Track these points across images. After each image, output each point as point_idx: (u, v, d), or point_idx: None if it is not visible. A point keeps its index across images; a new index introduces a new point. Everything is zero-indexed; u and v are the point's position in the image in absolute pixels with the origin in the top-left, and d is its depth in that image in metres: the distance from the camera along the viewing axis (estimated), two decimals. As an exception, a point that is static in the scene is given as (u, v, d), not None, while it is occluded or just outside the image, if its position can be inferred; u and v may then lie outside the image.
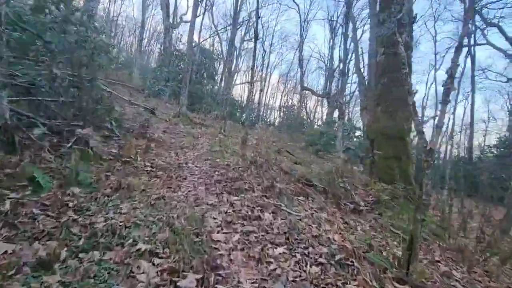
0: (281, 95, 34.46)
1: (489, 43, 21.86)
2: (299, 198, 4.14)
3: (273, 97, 37.72)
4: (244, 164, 5.32)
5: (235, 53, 31.45)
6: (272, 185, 4.26)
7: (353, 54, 22.01)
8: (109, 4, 34.25)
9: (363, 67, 15.05)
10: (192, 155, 6.49)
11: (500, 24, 19.67)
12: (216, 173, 4.78)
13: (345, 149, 10.91)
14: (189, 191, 3.87)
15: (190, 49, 13.10)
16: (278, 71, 48.10)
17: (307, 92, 25.93)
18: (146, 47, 33.67)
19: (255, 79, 35.16)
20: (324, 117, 30.78)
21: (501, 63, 40.76)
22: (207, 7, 26.30)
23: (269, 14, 27.81)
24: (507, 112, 24.07)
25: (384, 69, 5.75)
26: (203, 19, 25.53)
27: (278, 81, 33.97)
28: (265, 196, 3.88)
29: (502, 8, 18.30)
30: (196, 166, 5.17)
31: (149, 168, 4.40)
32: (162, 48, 23.85)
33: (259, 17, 9.32)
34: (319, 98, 32.42)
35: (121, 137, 5.28)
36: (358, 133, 17.61)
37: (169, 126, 10.38)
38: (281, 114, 28.50)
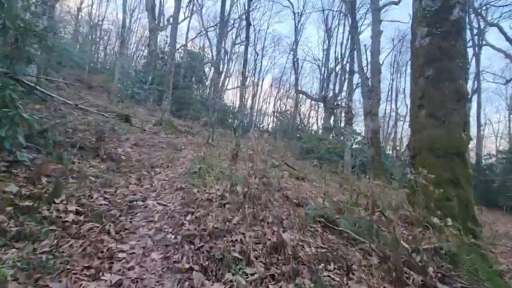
0: (274, 100, 32.79)
1: (488, 44, 20.75)
2: (328, 269, 2.32)
3: (266, 102, 36.06)
4: (233, 198, 3.48)
5: (226, 57, 29.82)
6: (282, 243, 2.45)
7: (349, 54, 20.57)
8: (93, 8, 32.28)
9: (366, 66, 13.43)
10: (162, 179, 4.61)
11: (500, 24, 18.55)
12: (189, 218, 2.93)
13: (358, 163, 9.15)
14: (128, 268, 2.02)
15: (173, 48, 11.26)
16: (271, 75, 46.60)
17: (301, 96, 24.33)
18: (133, 52, 31.70)
19: (247, 83, 33.52)
20: (320, 122, 29.22)
21: (499, 64, 40.07)
22: (195, 8, 24.63)
23: (261, 16, 26.11)
24: (507, 115, 22.95)
25: (430, 57, 4.01)
26: (190, 21, 23.82)
27: (271, 86, 32.39)
28: (271, 275, 2.06)
29: (504, 5, 17.14)
30: (160, 204, 3.30)
31: (70, 217, 2.52)
32: (147, 51, 22.07)
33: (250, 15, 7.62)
34: (314, 102, 30.90)
35: (41, 159, 3.38)
36: (358, 138, 15.97)
37: (145, 136, 8.47)
38: (275, 119, 26.88)
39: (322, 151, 14.42)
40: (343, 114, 22.68)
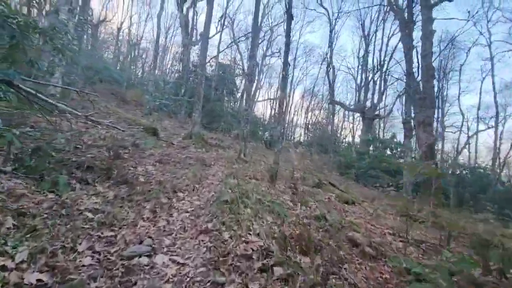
0: (305, 112, 31.29)
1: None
2: None
3: (297, 114, 34.67)
4: (282, 252, 2.24)
5: (256, 68, 29.24)
6: None
7: (389, 58, 18.70)
8: (132, 28, 33.71)
9: (417, 70, 11.72)
10: (184, 210, 3.51)
11: None
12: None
13: (412, 182, 7.40)
14: None
15: (203, 59, 10.53)
16: (303, 86, 45.00)
17: (336, 107, 22.71)
18: (168, 68, 32.29)
19: (279, 93, 32.50)
20: (356, 134, 27.19)
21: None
22: (227, 23, 24.40)
23: (293, 26, 25.19)
24: None
25: None
26: (221, 34, 23.55)
27: (303, 97, 31.00)
28: None
29: None
30: (174, 262, 2.15)
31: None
32: (180, 66, 22.05)
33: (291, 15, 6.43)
34: (347, 113, 28.98)
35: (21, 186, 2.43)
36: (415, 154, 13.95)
37: (172, 151, 7.59)
38: (307, 131, 25.35)
39: (364, 166, 12.69)
40: (381, 125, 20.73)
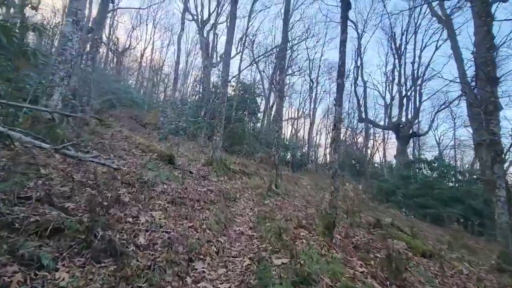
0: (331, 130, 29.33)
1: None
2: None
3: (319, 133, 32.80)
4: None
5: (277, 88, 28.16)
6: None
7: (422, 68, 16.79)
8: (155, 54, 34.20)
9: (474, 81, 9.86)
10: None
11: None
12: None
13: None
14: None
15: (225, 75, 9.33)
16: (326, 103, 43.05)
17: (364, 125, 20.78)
18: (188, 91, 31.97)
19: (300, 113, 31.05)
20: (391, 154, 24.84)
21: None
22: (247, 44, 23.73)
23: (314, 44, 24.03)
24: None
25: None
26: (241, 56, 22.81)
27: (327, 116, 29.25)
28: None
29: None
30: None
31: None
32: (201, 87, 21.36)
33: None
34: (374, 131, 26.80)
35: None
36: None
37: (189, 183, 6.14)
38: (333, 152, 23.35)
39: (411, 192, 10.63)
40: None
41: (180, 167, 7.35)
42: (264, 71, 28.55)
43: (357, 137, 20.06)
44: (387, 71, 21.75)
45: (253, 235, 3.80)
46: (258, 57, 17.88)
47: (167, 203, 4.29)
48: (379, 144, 27.37)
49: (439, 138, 25.50)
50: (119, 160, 5.75)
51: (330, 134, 28.42)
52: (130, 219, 3.25)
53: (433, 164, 11.80)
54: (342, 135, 27.17)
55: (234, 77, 16.53)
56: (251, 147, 15.50)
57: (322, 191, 9.08)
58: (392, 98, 19.53)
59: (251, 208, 5.78)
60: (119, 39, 32.46)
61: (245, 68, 19.89)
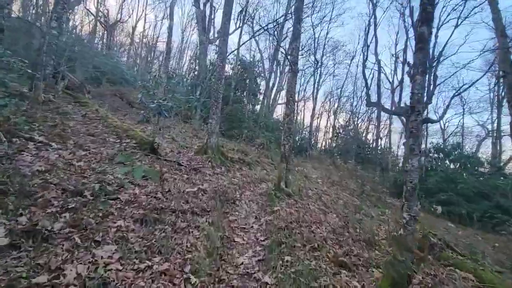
0: (329, 115, 27.63)
1: None
2: None
3: (319, 117, 31.09)
4: None
5: (278, 68, 26.08)
6: None
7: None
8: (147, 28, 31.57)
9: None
10: None
11: None
12: None
13: None
14: None
15: (223, 46, 7.58)
16: (329, 86, 40.58)
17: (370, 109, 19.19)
18: (184, 70, 29.75)
19: (301, 96, 29.20)
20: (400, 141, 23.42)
21: None
22: (246, 20, 21.44)
23: (320, 20, 21.80)
24: None
25: None
26: (241, 32, 20.60)
27: (329, 99, 27.47)
28: None
29: None
30: None
31: None
32: (196, 65, 19.37)
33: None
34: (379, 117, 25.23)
35: None
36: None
37: (174, 182, 4.62)
38: (336, 137, 21.87)
39: (431, 187, 9.27)
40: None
41: (166, 158, 5.79)
42: (267, 50, 26.42)
43: (360, 122, 18.49)
44: (396, 51, 19.90)
45: (266, 283, 2.32)
46: (259, 29, 15.84)
47: (133, 223, 2.77)
48: (384, 130, 25.91)
49: (444, 125, 24.07)
50: (78, 151, 4.15)
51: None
52: (44, 278, 1.72)
53: (454, 154, 10.41)
54: (346, 120, 25.62)
55: (233, 51, 14.63)
56: (251, 131, 13.90)
57: (335, 186, 7.65)
58: (401, 81, 17.84)
59: (256, 217, 4.30)
60: (109, 11, 29.68)
61: (244, 43, 17.93)
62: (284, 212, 4.25)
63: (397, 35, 20.04)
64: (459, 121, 21.77)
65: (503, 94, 17.26)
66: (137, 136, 5.92)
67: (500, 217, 7.93)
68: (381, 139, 19.33)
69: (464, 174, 9.73)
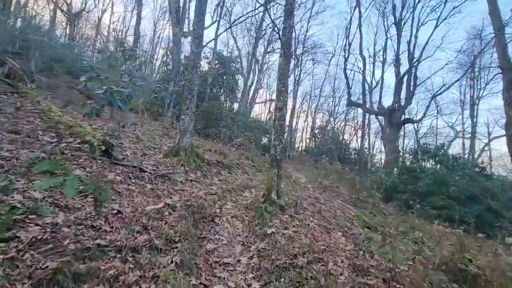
0: (306, 115, 27.15)
1: None
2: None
3: (297, 117, 30.52)
4: None
5: (256, 66, 25.04)
6: None
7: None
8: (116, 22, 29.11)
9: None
10: None
11: None
12: None
13: None
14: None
15: (199, 29, 6.36)
16: (308, 86, 39.97)
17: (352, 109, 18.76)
18: (157, 66, 27.68)
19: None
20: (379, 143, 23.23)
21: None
22: (223, 15, 20.13)
23: (301, 17, 21.05)
24: None
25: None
26: (218, 26, 19.28)
27: (308, 100, 26.91)
28: None
29: None
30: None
31: None
32: (169, 58, 17.75)
33: None
34: (355, 116, 25.15)
35: None
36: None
37: (131, 194, 3.33)
38: (314, 138, 21.29)
39: (422, 190, 8.71)
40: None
41: (124, 162, 4.44)
42: (246, 47, 25.31)
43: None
44: (375, 51, 19.70)
45: None
46: (236, 20, 14.65)
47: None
48: (359, 130, 25.85)
49: (417, 126, 24.51)
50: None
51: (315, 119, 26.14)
52: None
53: (440, 155, 10.01)
54: (324, 121, 25.21)
55: (210, 41, 13.32)
56: (229, 131, 12.68)
57: (327, 192, 6.71)
58: (382, 81, 17.57)
59: (243, 243, 3.15)
60: (72, -1, 26.78)
61: (222, 33, 16.65)
62: (281, 237, 3.14)
63: (375, 35, 19.85)
64: (431, 122, 22.19)
65: (479, 94, 17.63)
66: (85, 133, 4.50)
67: (493, 220, 7.50)
68: (365, 139, 18.90)
69: (456, 177, 9.27)
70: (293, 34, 18.96)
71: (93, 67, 4.06)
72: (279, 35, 4.29)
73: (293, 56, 17.46)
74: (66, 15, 26.57)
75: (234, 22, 15.13)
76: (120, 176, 3.96)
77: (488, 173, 10.11)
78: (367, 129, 17.99)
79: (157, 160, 5.65)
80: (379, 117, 18.96)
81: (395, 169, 12.53)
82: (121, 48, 4.57)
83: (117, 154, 4.41)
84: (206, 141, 11.26)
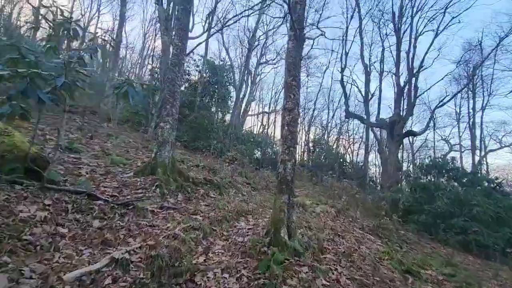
0: (302, 128, 26.06)
1: None
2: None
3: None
4: None
5: (249, 78, 24.06)
6: None
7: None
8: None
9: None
10: None
11: None
12: None
13: None
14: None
15: (182, 32, 5.16)
16: (303, 98, 38.88)
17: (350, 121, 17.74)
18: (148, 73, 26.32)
19: (270, 109, 27.47)
20: (372, 156, 21.99)
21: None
22: (214, 25, 19.25)
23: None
24: None
25: None
26: (209, 34, 18.32)
27: (302, 111, 25.95)
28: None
29: None
30: None
31: None
32: (157, 67, 16.50)
33: None
34: (349, 130, 24.23)
35: None
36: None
37: (63, 233, 1.88)
38: (309, 152, 20.08)
39: (441, 211, 7.48)
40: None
41: (64, 187, 3.01)
42: (239, 59, 24.44)
43: (331, 135, 16.84)
44: (371, 63, 18.98)
45: None
46: (231, 18, 13.58)
47: None
48: (356, 144, 24.91)
49: (413, 139, 23.72)
50: None
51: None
52: None
53: (450, 170, 8.90)
54: (318, 134, 24.17)
55: (200, 43, 12.15)
56: (221, 144, 11.31)
57: (341, 219, 5.37)
58: (375, 94, 16.68)
59: None
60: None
61: (213, 34, 15.52)
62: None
63: (370, 47, 19.21)
64: (427, 135, 21.44)
65: (480, 104, 16.93)
66: (10, 145, 3.07)
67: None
68: (368, 153, 17.77)
69: (477, 195, 8.05)
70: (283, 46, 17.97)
71: (20, 47, 2.70)
72: (289, 11, 3.07)
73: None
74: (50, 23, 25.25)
75: (227, 22, 14.06)
76: (49, 209, 2.53)
77: (503, 189, 9.07)
78: (367, 142, 16.86)
79: (123, 181, 4.21)
80: (374, 129, 18.08)
81: (399, 185, 11.36)
82: (59, 18, 3.24)
83: (54, 175, 2.99)
84: (194, 155, 9.84)
